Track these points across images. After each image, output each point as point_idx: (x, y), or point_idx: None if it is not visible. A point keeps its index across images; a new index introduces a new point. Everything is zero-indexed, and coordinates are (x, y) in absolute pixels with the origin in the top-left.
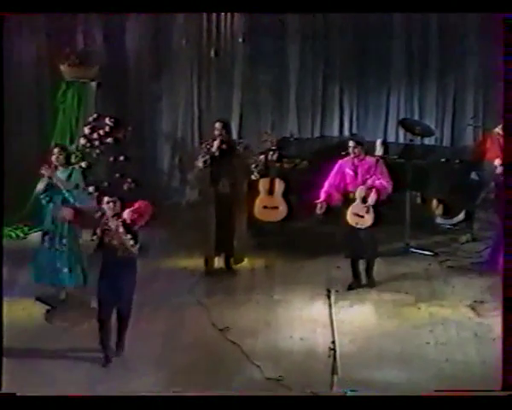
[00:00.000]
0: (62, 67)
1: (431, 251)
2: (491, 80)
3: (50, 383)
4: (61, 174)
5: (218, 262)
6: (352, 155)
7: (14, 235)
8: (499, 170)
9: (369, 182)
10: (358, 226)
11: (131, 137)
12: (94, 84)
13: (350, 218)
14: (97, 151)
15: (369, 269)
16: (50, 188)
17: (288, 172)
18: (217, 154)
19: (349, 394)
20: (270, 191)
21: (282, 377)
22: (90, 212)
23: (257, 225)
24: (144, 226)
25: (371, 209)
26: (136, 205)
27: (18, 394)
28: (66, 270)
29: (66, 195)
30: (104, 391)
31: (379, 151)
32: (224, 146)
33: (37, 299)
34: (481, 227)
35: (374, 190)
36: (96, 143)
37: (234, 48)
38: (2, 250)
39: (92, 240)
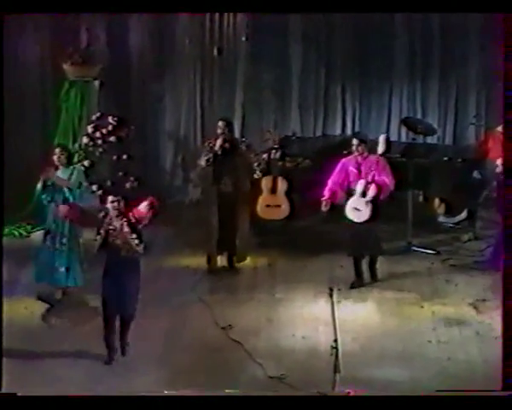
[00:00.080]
0: (65, 66)
1: (433, 250)
2: (493, 79)
3: (52, 381)
4: (62, 174)
5: (221, 261)
6: (355, 153)
7: (17, 233)
8: (501, 169)
9: (370, 178)
10: (356, 220)
11: (134, 135)
12: (97, 83)
13: (349, 211)
14: (100, 150)
15: (372, 264)
16: (52, 187)
17: (291, 171)
18: (219, 152)
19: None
20: (273, 190)
21: (284, 375)
22: (92, 211)
23: (259, 224)
24: (147, 225)
25: (369, 204)
26: (149, 200)
27: (18, 394)
28: (62, 269)
29: (67, 194)
30: (106, 390)
31: (382, 147)
32: (226, 145)
33: (39, 298)
34: (483, 226)
35: (373, 184)
36: (99, 141)
37: (237, 47)
38: (1, 250)
39: (95, 240)
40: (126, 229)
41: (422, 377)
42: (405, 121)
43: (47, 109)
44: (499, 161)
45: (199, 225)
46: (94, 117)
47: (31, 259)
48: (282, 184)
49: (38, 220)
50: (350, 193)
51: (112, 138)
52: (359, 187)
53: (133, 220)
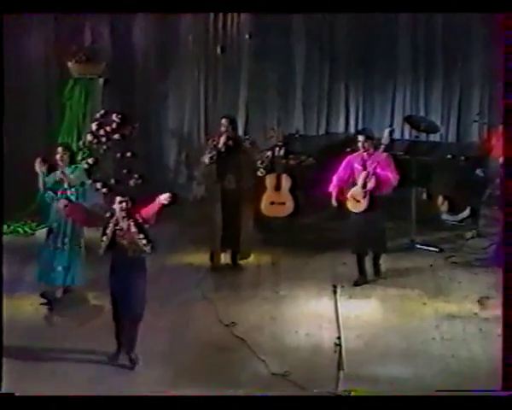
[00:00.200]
0: (70, 64)
1: (436, 247)
2: (496, 77)
3: (55, 379)
4: (63, 172)
5: (225, 258)
6: (361, 150)
7: (22, 231)
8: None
9: (372, 170)
10: (354, 211)
11: (138, 133)
12: (101, 80)
13: (348, 201)
14: (104, 147)
15: (375, 261)
16: (54, 185)
17: (294, 169)
18: (223, 150)
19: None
20: (277, 187)
21: (287, 372)
22: (97, 211)
23: (263, 221)
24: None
25: (367, 195)
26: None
27: (16, 393)
28: (60, 268)
29: (69, 193)
30: (109, 387)
31: (386, 140)
32: (230, 142)
33: (42, 295)
34: (486, 223)
35: (374, 176)
36: (103, 139)
37: (240, 44)
38: (1, 249)
39: (102, 241)
40: (134, 229)
41: (426, 374)
42: (408, 119)
43: (51, 107)
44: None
45: (202, 223)
46: (98, 115)
47: (35, 256)
48: (286, 182)
49: (42, 218)
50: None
51: (116, 136)
52: (361, 178)
53: (140, 220)
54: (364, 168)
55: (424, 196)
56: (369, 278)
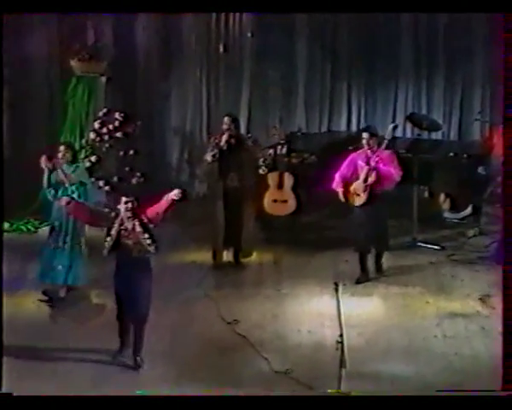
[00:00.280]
0: (72, 62)
1: (438, 245)
2: (497, 75)
3: (57, 378)
4: (65, 170)
5: (227, 256)
6: (365, 147)
7: (25, 228)
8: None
9: (374, 165)
10: (355, 204)
11: (141, 131)
12: (104, 78)
13: (350, 196)
14: (107, 145)
15: (378, 259)
16: (56, 184)
17: (296, 167)
18: (225, 148)
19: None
20: (280, 185)
21: (290, 370)
22: (101, 210)
23: (265, 220)
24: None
25: (368, 188)
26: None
27: (17, 393)
28: (60, 267)
29: (70, 191)
30: (111, 385)
31: (389, 135)
32: (232, 140)
33: (44, 293)
34: (488, 221)
35: (375, 171)
36: (106, 137)
37: (242, 43)
38: (1, 247)
39: (106, 241)
40: (139, 229)
41: (428, 372)
42: (411, 117)
43: (54, 105)
44: None
45: (205, 221)
46: (101, 113)
47: (37, 255)
48: (288, 180)
49: (45, 216)
50: None
51: (118, 134)
52: (363, 173)
53: (145, 220)
54: (368, 165)
55: (426, 194)
56: (370, 275)
